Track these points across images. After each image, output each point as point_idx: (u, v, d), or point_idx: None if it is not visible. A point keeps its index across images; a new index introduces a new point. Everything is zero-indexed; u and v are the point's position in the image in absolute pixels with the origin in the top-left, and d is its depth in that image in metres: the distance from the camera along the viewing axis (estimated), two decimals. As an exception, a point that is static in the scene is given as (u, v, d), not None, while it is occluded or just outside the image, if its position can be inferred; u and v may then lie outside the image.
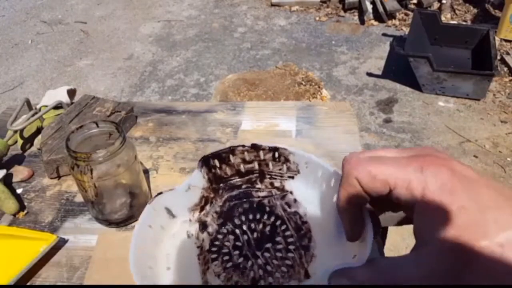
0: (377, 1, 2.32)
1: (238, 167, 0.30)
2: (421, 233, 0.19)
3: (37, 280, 0.39)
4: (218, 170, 0.30)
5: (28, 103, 0.59)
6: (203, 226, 0.30)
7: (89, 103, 0.59)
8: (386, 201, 0.21)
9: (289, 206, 0.29)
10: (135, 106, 0.62)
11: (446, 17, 2.29)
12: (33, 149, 0.56)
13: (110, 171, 0.39)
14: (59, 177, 0.51)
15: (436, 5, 2.38)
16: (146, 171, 0.51)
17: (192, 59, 2.13)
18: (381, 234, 0.43)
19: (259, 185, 0.30)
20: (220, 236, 0.29)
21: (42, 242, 0.40)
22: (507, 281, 0.17)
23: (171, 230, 0.30)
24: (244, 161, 0.30)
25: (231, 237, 0.29)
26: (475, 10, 2.33)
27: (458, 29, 1.92)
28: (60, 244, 0.42)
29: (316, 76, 1.61)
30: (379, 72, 1.94)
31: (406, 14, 2.34)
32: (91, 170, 0.38)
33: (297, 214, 0.29)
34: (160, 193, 0.29)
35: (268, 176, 0.30)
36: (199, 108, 0.64)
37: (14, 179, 0.51)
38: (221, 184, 0.30)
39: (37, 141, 0.55)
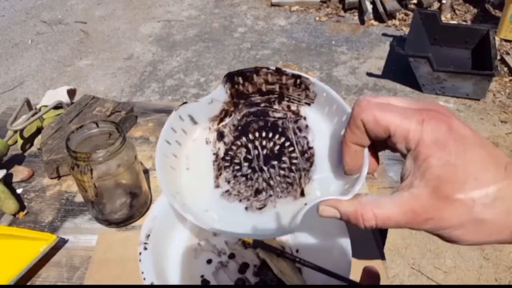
0: (377, 1, 2.32)
1: (260, 86, 0.32)
2: (406, 178, 0.22)
3: (37, 280, 0.39)
4: (240, 87, 0.32)
5: (28, 103, 0.59)
6: (220, 136, 0.33)
7: (89, 103, 0.59)
8: (385, 143, 0.23)
9: (300, 131, 0.32)
10: (135, 106, 0.62)
11: (446, 17, 2.29)
12: (33, 149, 0.56)
13: (110, 171, 0.39)
14: (59, 177, 0.51)
15: (436, 5, 2.37)
16: (146, 171, 0.51)
17: (192, 59, 2.13)
18: (381, 234, 0.43)
19: (276, 106, 0.32)
20: (234, 147, 0.32)
21: (42, 242, 0.40)
22: (470, 230, 0.20)
23: (192, 135, 0.33)
24: (267, 82, 0.32)
25: (243, 150, 0.32)
26: (475, 10, 2.33)
27: (458, 29, 1.92)
28: (60, 244, 0.42)
29: (316, 76, 1.61)
30: (379, 72, 1.94)
31: (406, 14, 2.34)
32: (91, 170, 0.38)
33: (306, 139, 0.31)
34: (185, 102, 0.31)
35: (287, 99, 0.32)
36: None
37: (14, 179, 0.51)
38: (242, 100, 0.32)
39: (37, 141, 0.55)
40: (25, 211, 0.46)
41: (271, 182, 0.31)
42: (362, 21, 2.37)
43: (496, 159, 0.20)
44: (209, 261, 0.38)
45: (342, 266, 0.33)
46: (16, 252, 0.40)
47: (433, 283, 1.03)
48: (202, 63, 2.10)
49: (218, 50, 2.21)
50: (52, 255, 0.41)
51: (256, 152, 0.32)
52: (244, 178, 0.31)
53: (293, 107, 0.32)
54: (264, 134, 0.32)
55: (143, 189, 0.45)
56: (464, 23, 2.25)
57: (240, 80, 0.31)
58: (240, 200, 0.31)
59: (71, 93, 0.63)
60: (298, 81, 0.30)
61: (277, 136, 0.32)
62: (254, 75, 0.31)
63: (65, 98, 0.61)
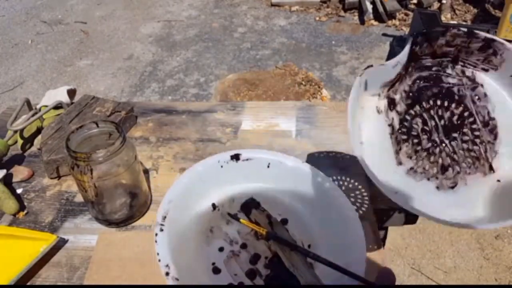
0: (377, 1, 2.32)
1: (436, 48, 0.29)
2: None
3: (37, 280, 0.39)
4: (417, 48, 0.29)
5: (28, 103, 0.59)
6: (392, 103, 0.30)
7: (89, 103, 0.59)
8: None
9: (479, 99, 0.29)
10: (135, 106, 0.62)
11: (446, 17, 2.29)
12: (33, 149, 0.56)
13: (110, 171, 0.39)
14: (59, 177, 0.51)
15: (436, 5, 2.37)
16: (146, 171, 0.51)
17: (192, 59, 2.13)
18: (381, 235, 0.43)
19: (449, 70, 0.30)
20: (408, 117, 0.30)
21: (42, 242, 0.40)
22: None
23: (360, 102, 0.30)
24: (448, 44, 0.29)
25: (419, 120, 0.29)
26: (475, 10, 2.33)
27: (458, 29, 1.92)
28: (60, 244, 0.42)
29: (316, 76, 1.61)
30: (379, 72, 1.94)
31: (406, 14, 2.34)
32: (91, 170, 0.38)
33: (486, 109, 0.29)
34: (371, 66, 0.29)
35: (461, 63, 0.30)
36: (199, 108, 0.63)
37: (14, 179, 0.51)
38: (412, 63, 0.30)
39: (37, 141, 0.55)
40: (25, 211, 0.46)
41: (455, 157, 0.28)
42: (362, 21, 2.37)
43: None
44: (221, 249, 0.38)
45: (356, 264, 0.32)
46: (16, 252, 0.40)
47: (433, 283, 1.03)
48: (202, 63, 2.10)
49: (218, 50, 2.21)
50: (52, 255, 0.41)
51: (433, 122, 0.29)
52: (425, 153, 0.29)
53: (468, 73, 0.29)
54: (439, 102, 0.29)
55: (143, 189, 0.45)
56: (464, 23, 2.25)
57: (422, 40, 0.28)
58: (428, 179, 0.28)
59: (71, 93, 0.63)
60: (488, 45, 0.28)
61: (453, 105, 0.29)
62: (440, 36, 0.28)
63: (65, 98, 0.61)
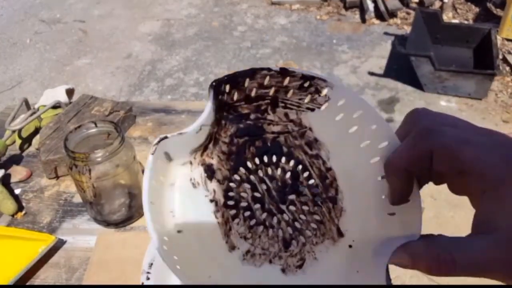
0: (379, 0, 2.31)
1: (249, 92, 0.23)
2: (489, 219, 0.18)
3: (36, 281, 0.39)
4: (225, 96, 0.23)
5: (26, 102, 0.59)
6: (209, 171, 0.24)
7: (88, 102, 0.58)
8: (429, 174, 0.20)
9: (310, 148, 0.24)
10: (134, 105, 0.61)
11: (447, 16, 2.28)
12: (31, 149, 0.56)
13: (109, 171, 0.39)
14: (57, 177, 0.50)
15: (437, 4, 2.37)
16: (145, 171, 0.51)
17: (192, 58, 2.13)
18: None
19: (270, 116, 0.24)
20: (233, 185, 0.24)
21: (40, 243, 0.40)
22: None
23: (167, 178, 0.23)
24: (261, 86, 0.23)
25: (246, 186, 0.24)
26: (477, 9, 2.33)
27: (460, 28, 1.92)
28: (58, 245, 0.42)
29: (317, 75, 1.60)
30: (381, 71, 1.93)
31: (408, 13, 2.34)
32: (90, 170, 0.38)
33: (320, 158, 0.24)
34: (165, 137, 0.21)
35: (282, 105, 0.24)
36: (198, 108, 0.63)
37: (12, 179, 0.50)
38: (224, 113, 0.23)
39: (35, 141, 0.55)
40: (24, 212, 0.46)
41: (297, 225, 0.23)
42: (363, 20, 2.36)
43: None
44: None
45: None
46: (14, 253, 0.40)
47: (434, 283, 1.02)
48: (201, 62, 2.10)
49: (218, 49, 2.20)
50: (50, 256, 0.41)
51: (264, 186, 0.24)
52: (262, 227, 0.23)
53: (292, 115, 0.24)
54: (266, 159, 0.24)
55: (143, 189, 0.44)
56: (465, 22, 2.24)
57: (227, 88, 0.23)
58: (271, 261, 0.23)
59: (70, 92, 0.63)
60: (307, 83, 0.23)
61: (283, 159, 0.24)
62: (247, 80, 0.23)
63: (63, 98, 0.61)
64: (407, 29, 2.19)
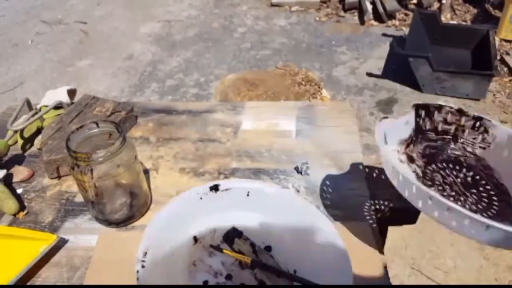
0: (377, 1, 2.32)
1: (437, 125, 0.35)
2: None
3: (37, 280, 0.39)
4: (421, 121, 0.35)
5: (28, 103, 0.59)
6: (410, 159, 0.35)
7: (89, 103, 0.59)
8: None
9: (485, 168, 0.33)
10: (135, 106, 0.62)
11: (446, 17, 2.29)
12: (33, 149, 0.56)
13: (110, 171, 0.39)
14: (59, 177, 0.51)
15: (436, 5, 2.37)
16: (146, 171, 0.51)
17: (192, 59, 2.13)
18: (381, 234, 0.43)
19: (452, 145, 0.35)
20: (428, 171, 0.34)
21: (42, 242, 0.40)
22: None
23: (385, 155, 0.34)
24: (445, 121, 0.34)
25: (438, 175, 0.33)
26: (475, 10, 2.33)
27: (458, 29, 1.92)
28: (60, 244, 0.42)
29: (316, 76, 1.61)
30: (379, 72, 1.94)
31: (406, 14, 2.34)
32: (91, 170, 0.38)
33: (493, 177, 0.33)
34: (386, 117, 0.34)
35: (461, 141, 0.35)
36: (199, 108, 0.64)
37: (14, 179, 0.51)
38: (420, 135, 0.35)
39: (37, 141, 0.55)
40: (25, 211, 0.46)
41: (480, 206, 0.31)
42: (362, 21, 2.37)
43: None
44: (205, 282, 0.36)
45: (343, 282, 0.33)
46: (16, 252, 0.40)
47: (433, 283, 1.03)
48: (202, 63, 2.10)
49: (218, 50, 2.21)
50: (52, 255, 0.41)
51: (451, 179, 0.33)
52: (452, 199, 0.32)
53: (469, 148, 0.34)
54: (451, 165, 0.34)
55: (143, 189, 0.45)
56: (464, 23, 2.25)
57: (423, 113, 0.35)
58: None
59: (71, 93, 0.63)
60: (478, 123, 0.33)
61: (464, 170, 0.33)
62: (436, 112, 0.34)
63: (65, 98, 0.61)
64: (406, 30, 2.20)
